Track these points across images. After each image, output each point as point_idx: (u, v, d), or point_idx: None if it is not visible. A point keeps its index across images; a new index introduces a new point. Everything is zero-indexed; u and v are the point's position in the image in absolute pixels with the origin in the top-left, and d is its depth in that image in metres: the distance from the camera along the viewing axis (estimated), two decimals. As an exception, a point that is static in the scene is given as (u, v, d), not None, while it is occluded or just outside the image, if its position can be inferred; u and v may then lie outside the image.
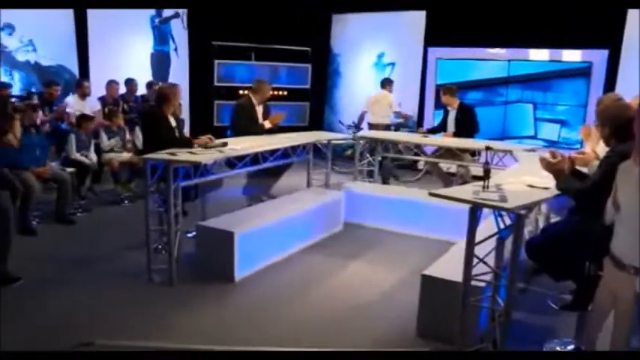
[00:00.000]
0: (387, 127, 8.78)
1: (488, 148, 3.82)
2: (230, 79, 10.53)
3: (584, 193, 3.19)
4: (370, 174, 7.35)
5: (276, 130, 6.27)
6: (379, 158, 7.34)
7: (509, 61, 9.10)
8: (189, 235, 5.20)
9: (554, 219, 4.82)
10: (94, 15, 8.82)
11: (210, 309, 4.12)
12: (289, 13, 10.13)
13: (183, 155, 4.54)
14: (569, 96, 8.71)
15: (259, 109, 6.26)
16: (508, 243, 3.29)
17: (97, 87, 8.08)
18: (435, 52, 9.71)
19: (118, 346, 3.42)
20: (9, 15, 7.92)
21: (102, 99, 8.00)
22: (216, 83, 10.45)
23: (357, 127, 9.29)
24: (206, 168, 4.88)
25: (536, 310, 4.10)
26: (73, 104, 7.52)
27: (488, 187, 3.41)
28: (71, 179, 6.15)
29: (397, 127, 9.44)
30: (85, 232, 5.86)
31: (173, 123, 5.16)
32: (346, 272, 5.00)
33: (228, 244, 4.56)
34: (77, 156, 6.56)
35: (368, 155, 7.23)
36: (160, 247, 4.78)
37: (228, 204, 5.75)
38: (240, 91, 9.60)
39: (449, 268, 3.74)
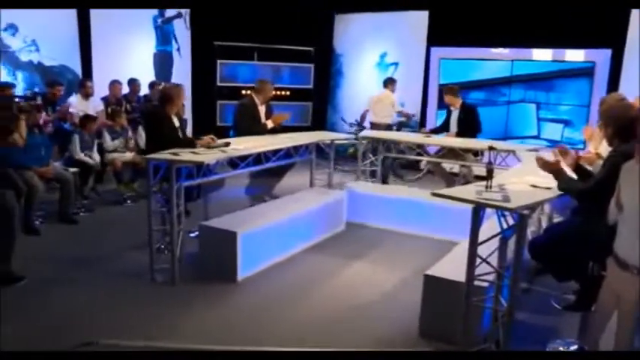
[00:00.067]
0: (388, 127, 8.77)
1: (491, 148, 3.82)
2: (233, 79, 10.54)
3: (586, 193, 3.18)
4: (373, 174, 7.35)
5: (279, 130, 6.27)
6: (381, 158, 7.34)
7: (512, 60, 9.08)
8: (192, 235, 5.21)
9: (557, 219, 4.82)
10: (96, 15, 8.83)
11: (212, 309, 4.12)
12: (292, 13, 10.12)
13: (185, 155, 4.54)
14: (572, 96, 8.68)
15: (262, 109, 6.25)
16: (511, 243, 3.28)
17: (100, 87, 8.09)
18: (437, 52, 9.70)
19: (120, 345, 3.42)
20: (12, 15, 7.93)
21: (105, 99, 8.01)
22: (218, 83, 10.45)
23: (360, 125, 9.30)
24: (209, 168, 4.89)
25: (540, 310, 4.10)
26: (76, 104, 7.52)
27: (491, 187, 3.41)
28: (74, 179, 6.16)
29: (399, 127, 9.43)
30: (87, 231, 5.87)
31: (176, 123, 5.17)
32: (349, 272, 4.99)
33: (231, 244, 4.56)
34: (81, 156, 6.57)
35: (370, 155, 7.22)
36: (163, 247, 4.78)
37: (230, 204, 5.76)
38: (243, 91, 9.62)
39: (452, 268, 3.73)
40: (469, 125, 6.98)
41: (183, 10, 10.02)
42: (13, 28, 8.09)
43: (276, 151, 5.60)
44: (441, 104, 8.87)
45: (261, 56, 10.62)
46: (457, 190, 3.72)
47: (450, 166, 7.44)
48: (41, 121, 6.28)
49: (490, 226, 3.36)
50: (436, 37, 9.61)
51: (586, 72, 8.53)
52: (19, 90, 7.84)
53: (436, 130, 7.40)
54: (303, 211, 5.52)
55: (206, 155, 4.68)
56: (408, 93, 9.73)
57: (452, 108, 7.21)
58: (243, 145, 5.22)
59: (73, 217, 6.14)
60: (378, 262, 5.23)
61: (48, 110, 7.09)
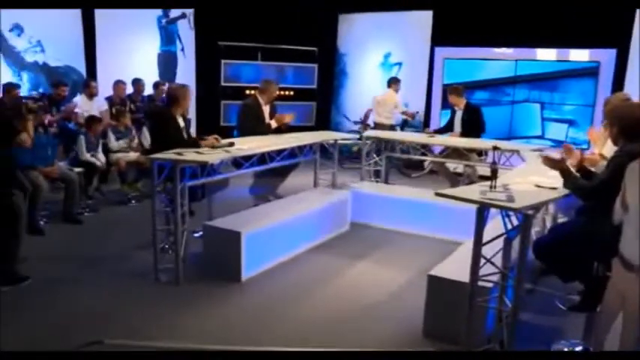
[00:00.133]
0: (392, 127, 8.78)
1: (495, 148, 3.80)
2: (237, 79, 10.54)
3: (591, 193, 3.18)
4: (377, 174, 7.34)
5: (284, 130, 6.27)
6: (385, 157, 7.33)
7: (516, 60, 9.05)
8: (196, 234, 5.22)
9: (561, 219, 4.80)
10: (101, 16, 8.87)
11: (216, 309, 4.12)
12: (296, 13, 10.14)
13: (190, 155, 4.54)
14: (577, 96, 8.66)
15: (266, 109, 6.26)
16: (515, 243, 3.27)
17: (105, 87, 8.10)
18: (441, 52, 9.68)
19: (124, 345, 3.43)
20: (18, 16, 7.97)
21: (109, 99, 8.02)
22: (222, 83, 10.46)
23: (364, 123, 9.30)
24: (213, 168, 4.89)
25: (544, 310, 4.08)
26: (80, 104, 7.54)
27: (495, 187, 3.40)
28: (79, 179, 6.18)
29: (402, 126, 9.43)
30: (92, 231, 5.89)
31: (181, 124, 5.18)
32: (353, 272, 4.99)
33: (235, 244, 4.56)
34: (87, 157, 6.59)
35: (375, 155, 7.22)
36: (167, 246, 4.79)
37: (234, 204, 5.76)
38: (247, 91, 9.62)
39: (456, 268, 3.73)
40: (473, 125, 6.97)
41: (187, 11, 10.03)
42: (18, 29, 8.13)
43: (280, 151, 5.60)
44: (445, 104, 8.86)
45: (265, 56, 10.62)
46: (461, 190, 3.72)
47: (454, 166, 7.43)
48: (46, 121, 6.30)
49: (494, 226, 3.35)
50: (440, 37, 9.60)
51: (591, 72, 8.50)
52: (24, 91, 7.87)
53: (440, 131, 7.39)
54: (307, 211, 5.52)
55: (210, 155, 4.68)
56: (412, 93, 9.73)
57: (456, 108, 7.19)
58: (248, 145, 5.22)
59: (78, 217, 6.16)
60: (382, 262, 5.22)
61: (53, 110, 7.12)
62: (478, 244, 3.22)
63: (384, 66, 10.50)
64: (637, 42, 7.91)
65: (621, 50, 8.11)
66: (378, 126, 8.70)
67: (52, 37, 8.46)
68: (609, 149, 3.71)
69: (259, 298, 4.36)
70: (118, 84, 8.13)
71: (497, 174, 3.47)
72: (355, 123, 9.64)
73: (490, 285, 3.41)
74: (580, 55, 8.60)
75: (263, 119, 6.18)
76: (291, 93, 10.76)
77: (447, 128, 7.32)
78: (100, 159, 6.74)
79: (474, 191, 3.37)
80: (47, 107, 6.71)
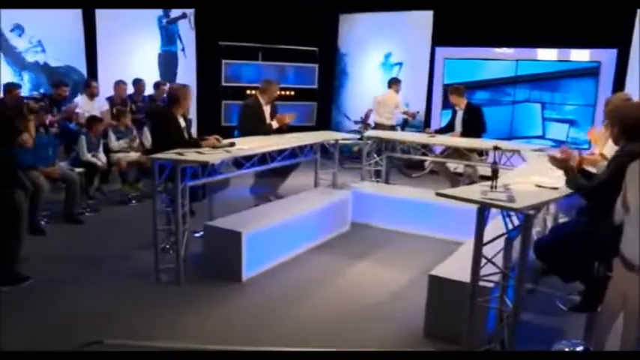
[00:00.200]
0: (392, 128, 8.78)
1: (496, 148, 3.80)
2: (237, 79, 10.55)
3: (593, 192, 3.18)
4: (377, 174, 7.34)
5: (284, 130, 6.27)
6: (385, 157, 7.33)
7: (516, 60, 9.05)
8: (197, 234, 5.21)
9: (562, 219, 4.80)
10: (102, 16, 8.88)
11: (217, 309, 4.12)
12: (296, 13, 10.13)
13: (190, 155, 4.55)
14: (578, 96, 8.66)
15: (267, 109, 6.25)
16: (516, 243, 3.27)
17: (105, 87, 8.12)
18: (442, 52, 9.68)
19: (124, 345, 3.43)
20: (18, 16, 7.98)
21: (110, 99, 8.03)
22: (223, 83, 10.46)
23: (364, 122, 9.30)
24: (214, 168, 4.89)
25: (545, 311, 4.08)
26: (81, 104, 7.55)
27: (496, 187, 3.40)
28: (79, 179, 6.18)
29: (403, 126, 9.42)
30: (93, 231, 5.89)
31: (182, 124, 5.18)
32: (353, 272, 4.99)
33: (236, 244, 4.56)
34: (89, 157, 6.59)
35: (375, 155, 7.22)
36: (168, 246, 4.79)
37: (235, 204, 5.76)
38: (248, 91, 9.62)
39: (457, 268, 3.72)
40: (474, 125, 6.96)
41: (188, 11, 10.03)
42: (19, 29, 8.14)
43: (280, 151, 5.60)
44: (446, 104, 8.86)
45: (265, 56, 10.62)
46: (462, 190, 3.72)
47: (455, 166, 7.43)
48: (47, 122, 6.31)
49: (495, 226, 3.35)
50: (441, 36, 9.59)
51: (591, 72, 8.50)
52: (25, 91, 7.87)
53: (441, 131, 7.37)
54: (308, 211, 5.52)
55: (211, 155, 4.68)
56: (413, 93, 9.72)
57: (457, 108, 7.19)
58: (248, 145, 5.22)
59: (79, 217, 6.16)
60: (382, 262, 5.22)
61: (54, 110, 7.12)
62: (479, 244, 3.22)
63: (384, 66, 10.50)
64: (638, 42, 7.91)
65: (622, 50, 8.10)
66: (378, 126, 8.70)
67: (52, 38, 8.47)
68: (610, 149, 3.71)
69: (260, 298, 4.36)
70: (119, 84, 8.14)
71: (498, 174, 3.47)
72: (356, 122, 9.65)
73: (491, 285, 3.41)
74: (581, 55, 8.60)
75: (264, 119, 6.18)
76: (292, 93, 10.76)
77: (448, 128, 7.32)
78: (100, 159, 6.75)
79: (475, 191, 3.37)
80: (48, 107, 6.70)
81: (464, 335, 3.37)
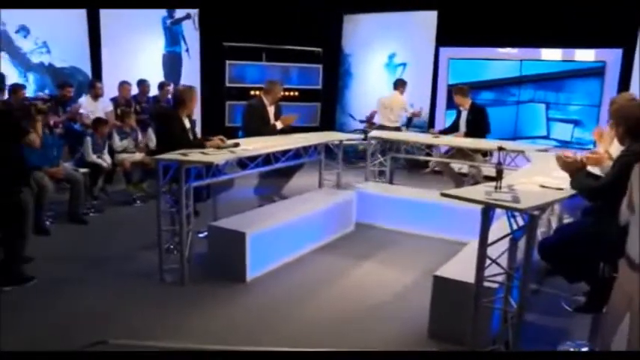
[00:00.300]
0: (397, 129, 8.76)
1: (500, 149, 3.80)
2: (241, 79, 10.56)
3: (598, 192, 3.16)
4: (381, 174, 7.33)
5: (288, 130, 6.28)
6: (390, 158, 7.32)
7: (521, 60, 9.03)
8: (201, 235, 5.22)
9: (567, 220, 4.78)
10: (106, 16, 8.90)
11: (221, 309, 4.13)
12: (300, 13, 10.14)
13: (195, 155, 4.55)
14: (583, 96, 8.62)
15: (271, 110, 6.26)
16: (521, 244, 3.26)
17: (110, 88, 8.13)
18: (446, 52, 9.67)
19: (129, 345, 3.43)
20: (24, 17, 8.01)
21: (114, 100, 8.04)
22: (227, 84, 10.49)
23: (369, 122, 9.30)
24: (218, 168, 4.90)
25: (550, 311, 4.07)
26: (86, 105, 7.57)
27: (500, 187, 3.39)
28: (84, 180, 6.20)
29: (407, 125, 9.40)
30: (97, 232, 5.91)
31: (187, 124, 5.19)
32: (358, 273, 4.99)
33: (240, 245, 4.56)
34: (94, 158, 6.61)
35: (379, 155, 7.21)
36: (172, 247, 4.80)
37: (239, 204, 5.76)
38: (252, 92, 9.64)
39: (461, 268, 3.71)
40: (478, 126, 6.95)
41: (192, 11, 10.05)
42: (24, 31, 8.17)
43: (285, 152, 5.60)
44: (450, 104, 8.84)
45: (269, 57, 10.64)
46: (466, 191, 3.70)
47: (459, 166, 7.41)
48: (52, 122, 6.33)
49: (500, 226, 3.35)
50: (445, 37, 9.58)
51: (596, 72, 8.47)
52: (30, 92, 7.90)
53: (445, 131, 7.36)
54: (312, 211, 5.52)
55: (215, 156, 4.69)
56: (417, 93, 9.70)
57: (461, 108, 7.18)
58: (253, 145, 5.23)
59: (83, 217, 6.18)
60: (387, 263, 5.22)
61: (59, 111, 7.14)
62: (483, 244, 3.21)
63: (388, 66, 10.49)
64: (643, 42, 7.88)
65: (627, 50, 8.07)
66: (382, 127, 8.68)
67: (57, 38, 8.50)
68: (616, 149, 3.70)
69: (264, 298, 4.36)
70: (123, 85, 8.15)
71: (503, 174, 3.46)
72: (361, 122, 9.64)
73: (495, 285, 3.40)
74: (586, 55, 8.57)
75: (268, 120, 6.18)
76: (296, 94, 10.77)
77: (453, 129, 7.30)
78: (106, 160, 6.76)
79: (479, 192, 3.36)
80: (55, 108, 6.72)
81: (468, 336, 3.36)
